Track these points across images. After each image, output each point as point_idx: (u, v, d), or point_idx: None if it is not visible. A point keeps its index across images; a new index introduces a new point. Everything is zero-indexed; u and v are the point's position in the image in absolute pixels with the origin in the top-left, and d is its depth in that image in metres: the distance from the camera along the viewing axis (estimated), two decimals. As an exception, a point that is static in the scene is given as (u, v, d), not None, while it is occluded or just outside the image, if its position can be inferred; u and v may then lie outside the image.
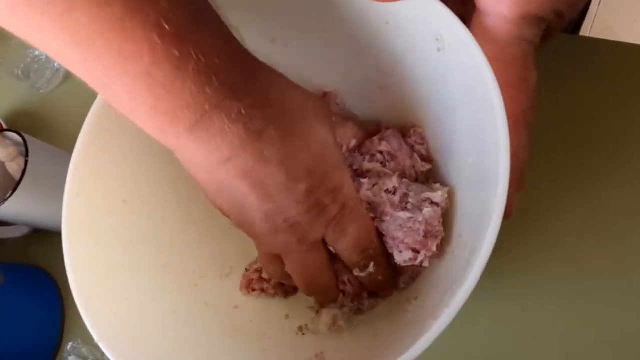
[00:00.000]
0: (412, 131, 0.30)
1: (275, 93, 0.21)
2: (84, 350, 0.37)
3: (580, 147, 0.32)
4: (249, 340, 0.29)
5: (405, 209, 0.26)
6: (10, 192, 0.39)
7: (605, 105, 0.32)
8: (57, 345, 0.41)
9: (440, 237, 0.25)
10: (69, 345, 0.39)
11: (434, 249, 0.25)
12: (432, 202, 0.25)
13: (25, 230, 0.47)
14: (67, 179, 0.27)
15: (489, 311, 0.30)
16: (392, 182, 0.26)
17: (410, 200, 0.26)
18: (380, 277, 0.27)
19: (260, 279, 0.32)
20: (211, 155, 0.20)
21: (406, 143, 0.29)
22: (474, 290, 0.30)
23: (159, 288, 0.29)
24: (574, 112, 0.32)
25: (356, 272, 0.26)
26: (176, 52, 0.18)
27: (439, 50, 0.23)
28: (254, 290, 0.32)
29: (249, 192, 0.22)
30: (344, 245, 0.25)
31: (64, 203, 0.27)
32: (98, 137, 0.28)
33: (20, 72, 0.53)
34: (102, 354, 0.38)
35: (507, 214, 0.19)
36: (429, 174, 0.29)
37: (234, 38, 0.21)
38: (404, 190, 0.26)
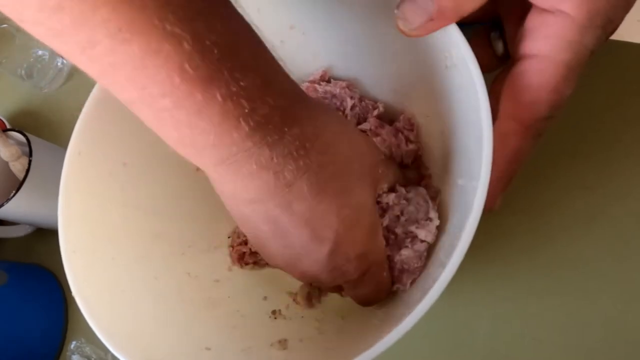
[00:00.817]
0: (400, 117, 0.30)
1: (318, 142, 0.20)
2: (87, 349, 0.38)
3: (584, 145, 0.32)
4: (221, 315, 0.29)
5: (386, 242, 0.25)
6: (13, 192, 0.39)
7: (609, 104, 0.32)
8: (60, 344, 0.41)
9: (418, 273, 0.25)
10: (73, 344, 0.39)
11: (409, 284, 0.25)
12: (416, 237, 0.25)
13: (28, 230, 0.47)
14: (71, 137, 0.28)
15: (491, 313, 0.30)
16: (389, 197, 0.25)
17: (397, 231, 0.25)
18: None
19: (252, 252, 0.32)
20: (237, 193, 0.20)
21: (395, 128, 0.30)
22: (475, 291, 0.30)
23: (145, 251, 0.29)
24: (578, 111, 0.31)
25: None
26: (199, 96, 0.16)
27: (446, 67, 0.23)
28: (247, 263, 0.32)
29: (271, 237, 0.21)
30: (354, 298, 0.26)
31: (65, 160, 0.28)
32: (105, 102, 0.29)
33: (23, 72, 0.54)
34: (106, 352, 0.39)
35: (487, 209, 0.20)
36: (417, 156, 0.29)
37: (275, 66, 0.19)
38: (396, 213, 0.25)
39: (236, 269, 0.33)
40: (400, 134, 0.29)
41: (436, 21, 0.20)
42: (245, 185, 0.19)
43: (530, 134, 0.22)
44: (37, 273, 0.43)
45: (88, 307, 0.25)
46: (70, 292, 0.44)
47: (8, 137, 0.42)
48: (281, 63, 0.28)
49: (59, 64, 0.55)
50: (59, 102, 0.55)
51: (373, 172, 0.23)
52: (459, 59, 0.22)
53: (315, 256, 0.22)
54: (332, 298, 0.31)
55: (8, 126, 0.53)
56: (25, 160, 0.42)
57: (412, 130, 0.29)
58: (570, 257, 0.30)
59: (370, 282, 0.24)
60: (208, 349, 0.26)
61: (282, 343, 0.27)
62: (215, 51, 0.16)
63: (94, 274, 0.26)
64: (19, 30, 0.52)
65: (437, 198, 0.26)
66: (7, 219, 0.43)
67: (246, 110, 0.17)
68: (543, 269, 0.30)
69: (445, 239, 0.24)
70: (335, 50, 0.30)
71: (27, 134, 0.41)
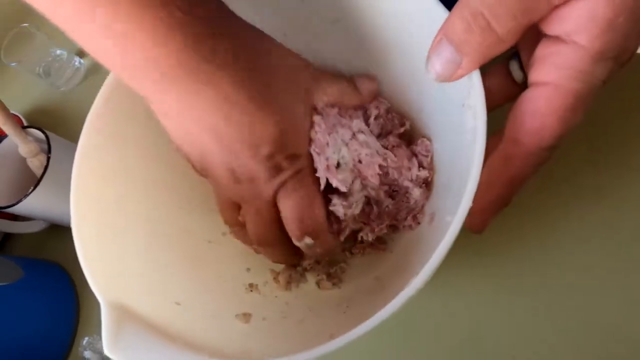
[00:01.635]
0: (419, 141, 0.30)
1: (249, 53, 0.23)
2: (99, 345, 0.38)
3: (597, 151, 0.32)
4: (202, 275, 0.31)
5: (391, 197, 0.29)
6: (32, 188, 0.40)
7: (618, 108, 0.32)
8: (71, 339, 0.42)
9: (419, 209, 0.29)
10: (85, 340, 0.39)
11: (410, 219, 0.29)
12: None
13: (42, 226, 0.47)
14: (88, 115, 0.30)
15: (498, 315, 0.30)
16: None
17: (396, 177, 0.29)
18: (318, 250, 0.28)
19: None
20: (181, 109, 0.22)
21: (411, 150, 0.30)
22: (482, 293, 0.31)
23: (148, 198, 0.31)
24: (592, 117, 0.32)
25: (294, 241, 0.28)
26: (151, 19, 0.19)
27: (463, 106, 0.23)
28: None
29: (212, 144, 0.23)
30: (286, 209, 0.26)
31: (82, 133, 0.30)
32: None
33: (41, 70, 0.55)
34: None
35: (474, 231, 0.21)
36: (427, 182, 0.30)
37: None
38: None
39: (231, 235, 0.34)
40: (414, 158, 0.30)
41: (465, 69, 0.21)
42: (188, 101, 0.22)
43: (531, 162, 0.22)
44: (51, 269, 0.44)
45: (81, 238, 0.27)
46: (82, 288, 0.45)
47: (27, 134, 0.42)
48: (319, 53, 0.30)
49: (76, 63, 0.56)
50: (74, 101, 0.56)
51: (305, 83, 0.26)
52: (474, 102, 0.22)
53: (256, 156, 0.24)
54: (308, 288, 0.32)
55: (25, 123, 0.53)
56: (42, 157, 0.43)
57: (427, 155, 0.30)
58: (581, 263, 0.30)
59: (300, 184, 0.26)
60: (178, 304, 0.27)
61: (246, 317, 0.28)
62: None
63: (94, 208, 0.28)
64: (39, 29, 0.53)
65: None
66: (22, 215, 0.44)
67: (181, 23, 0.20)
68: (553, 274, 0.30)
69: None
70: (374, 57, 0.31)
71: (46, 131, 0.42)
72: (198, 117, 0.23)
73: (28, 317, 0.39)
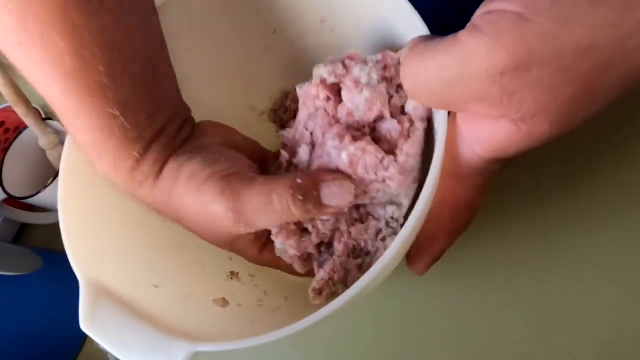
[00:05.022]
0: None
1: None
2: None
3: (585, 146, 0.32)
4: (184, 260, 0.31)
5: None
6: (51, 179, 0.40)
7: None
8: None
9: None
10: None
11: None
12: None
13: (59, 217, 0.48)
14: None
15: (499, 315, 0.31)
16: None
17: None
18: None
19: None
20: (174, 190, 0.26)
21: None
22: (482, 292, 0.31)
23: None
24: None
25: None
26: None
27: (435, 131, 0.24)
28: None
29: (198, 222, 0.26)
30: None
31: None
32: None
33: (60, 63, 0.55)
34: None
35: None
36: None
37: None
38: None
39: None
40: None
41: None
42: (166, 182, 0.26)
43: (446, 239, 0.26)
44: (67, 260, 0.45)
45: (66, 217, 0.28)
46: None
47: (47, 126, 0.43)
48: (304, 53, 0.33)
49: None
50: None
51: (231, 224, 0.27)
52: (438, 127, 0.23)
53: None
54: (288, 280, 0.32)
55: (43, 115, 0.54)
56: (61, 149, 0.43)
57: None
58: (578, 262, 0.31)
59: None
60: (156, 286, 0.28)
61: (224, 302, 0.29)
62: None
63: (80, 191, 0.30)
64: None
65: None
66: (40, 206, 0.44)
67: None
68: (551, 277, 0.31)
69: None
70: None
71: (65, 123, 0.43)
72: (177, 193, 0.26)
73: (45, 307, 0.40)
